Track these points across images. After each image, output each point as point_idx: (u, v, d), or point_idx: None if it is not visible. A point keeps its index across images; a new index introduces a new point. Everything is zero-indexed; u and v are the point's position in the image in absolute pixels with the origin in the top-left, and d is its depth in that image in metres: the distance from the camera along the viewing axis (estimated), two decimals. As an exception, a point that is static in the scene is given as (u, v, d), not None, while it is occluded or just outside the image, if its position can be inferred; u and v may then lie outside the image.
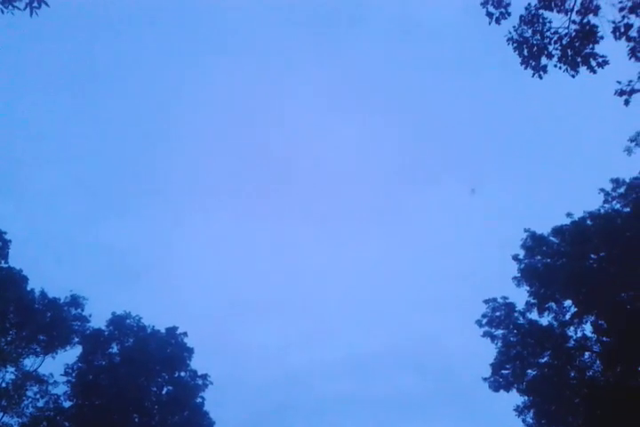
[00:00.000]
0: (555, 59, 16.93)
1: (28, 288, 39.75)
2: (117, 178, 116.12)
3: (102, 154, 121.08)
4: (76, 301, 41.48)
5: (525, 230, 35.84)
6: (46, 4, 14.35)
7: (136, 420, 42.76)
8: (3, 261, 38.47)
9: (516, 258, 35.73)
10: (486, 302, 35.85)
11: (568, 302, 34.55)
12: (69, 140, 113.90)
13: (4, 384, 36.01)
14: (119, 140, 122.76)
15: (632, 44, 16.45)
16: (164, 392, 44.40)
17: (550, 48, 16.87)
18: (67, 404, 41.02)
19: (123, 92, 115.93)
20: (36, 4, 14.27)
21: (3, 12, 14.49)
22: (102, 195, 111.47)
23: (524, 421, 34.73)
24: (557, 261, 34.82)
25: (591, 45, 16.56)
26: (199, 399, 44.21)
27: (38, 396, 38.83)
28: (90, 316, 42.32)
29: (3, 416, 36.25)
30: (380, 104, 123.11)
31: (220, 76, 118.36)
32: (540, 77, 17.17)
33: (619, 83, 17.70)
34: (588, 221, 34.59)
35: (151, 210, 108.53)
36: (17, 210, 77.52)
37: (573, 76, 16.96)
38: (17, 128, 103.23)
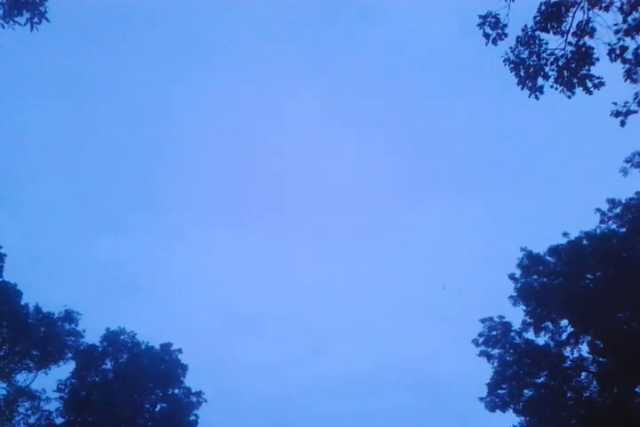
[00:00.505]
0: (551, 80, 17.04)
1: (22, 303, 39.50)
2: (114, 193, 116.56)
3: (99, 168, 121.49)
4: (70, 316, 41.20)
5: (522, 249, 35.85)
6: (47, 20, 14.47)
7: (129, 437, 42.35)
8: (-3, 276, 38.32)
9: (512, 277, 35.71)
10: (482, 321, 35.79)
11: (564, 322, 34.51)
12: (66, 153, 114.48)
13: (-5, 400, 35.73)
14: (117, 155, 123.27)
15: (627, 65, 16.57)
16: (157, 409, 43.99)
17: (546, 69, 17.00)
18: (59, 420, 40.61)
19: (120, 108, 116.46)
20: (36, 20, 14.39)
21: (4, 26, 14.60)
22: (99, 209, 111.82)
23: (520, 441, 34.51)
24: (554, 281, 34.79)
25: (587, 67, 16.68)
26: (193, 417, 43.81)
27: (30, 412, 38.51)
28: (84, 331, 42.05)
29: (-7, 432, 35.95)
30: (377, 122, 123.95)
31: (219, 92, 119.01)
32: (537, 98, 17.27)
33: (615, 104, 17.80)
34: (585, 241, 34.61)
35: (147, 225, 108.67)
36: (12, 223, 77.47)
37: (569, 97, 17.06)
38: (13, 142, 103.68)
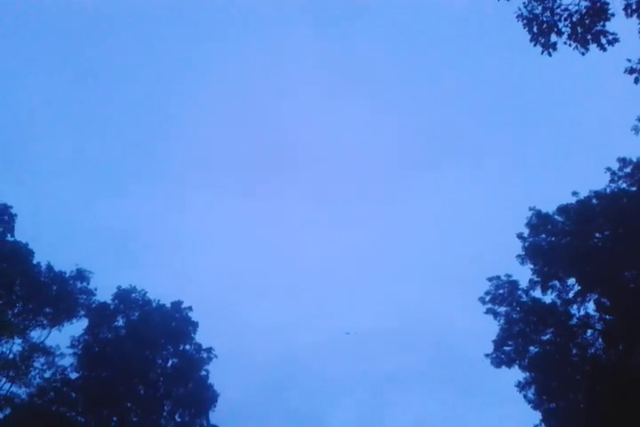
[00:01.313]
0: (564, 36, 16.69)
1: (34, 262, 39.95)
2: (118, 155, 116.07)
3: (105, 131, 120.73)
4: (81, 274, 41.70)
5: (530, 209, 35.77)
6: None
7: (141, 391, 43.37)
8: (9, 235, 38.69)
9: (520, 236, 35.70)
10: (490, 279, 35.96)
11: (572, 281, 34.66)
12: (71, 116, 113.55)
13: (11, 356, 36.46)
14: (121, 118, 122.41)
15: (643, 21, 16.21)
16: (168, 365, 44.94)
17: (560, 25, 16.63)
18: (73, 375, 41.59)
19: (125, 71, 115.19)
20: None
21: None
22: (104, 172, 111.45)
23: (525, 396, 35.18)
24: (562, 240, 34.81)
25: (602, 23, 16.31)
26: (204, 372, 44.77)
27: (45, 367, 39.29)
28: (96, 289, 42.63)
29: (11, 386, 36.81)
30: (384, 85, 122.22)
31: (225, 57, 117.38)
32: (550, 55, 16.94)
33: (629, 61, 17.48)
34: (594, 200, 34.48)
35: (151, 188, 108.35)
36: (18, 187, 77.43)
37: (583, 54, 16.72)
38: (18, 106, 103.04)
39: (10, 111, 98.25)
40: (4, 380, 36.44)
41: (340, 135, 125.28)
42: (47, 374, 39.30)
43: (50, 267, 40.35)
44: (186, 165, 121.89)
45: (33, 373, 38.04)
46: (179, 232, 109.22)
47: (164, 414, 43.82)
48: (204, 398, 43.89)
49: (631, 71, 17.53)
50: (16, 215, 38.71)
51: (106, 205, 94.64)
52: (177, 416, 43.92)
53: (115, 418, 42.17)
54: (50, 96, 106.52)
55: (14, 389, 36.99)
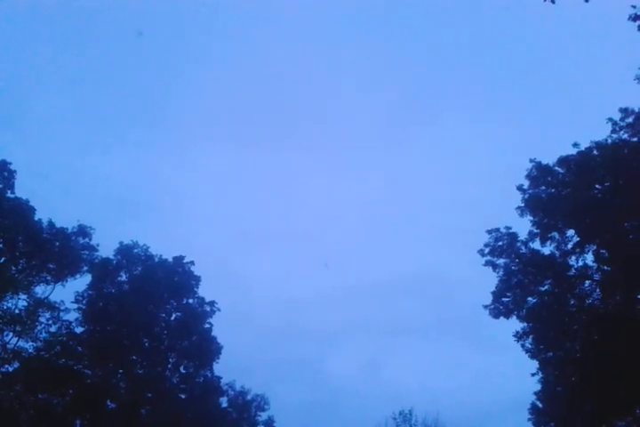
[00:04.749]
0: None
1: (36, 218, 40.00)
2: (118, 107, 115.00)
3: (105, 82, 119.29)
4: (83, 230, 41.87)
5: (531, 160, 35.52)
6: None
7: (146, 344, 44.18)
8: (9, 192, 38.63)
9: (520, 188, 35.57)
10: (489, 231, 36.00)
11: (571, 232, 34.70)
12: (71, 66, 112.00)
13: (17, 311, 36.93)
14: (122, 68, 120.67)
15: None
16: (172, 318, 45.64)
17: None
18: (78, 330, 42.30)
19: (127, 17, 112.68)
20: None
21: None
22: (104, 124, 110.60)
23: (522, 346, 35.67)
24: (562, 192, 34.71)
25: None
26: (207, 325, 45.51)
27: (51, 322, 39.91)
28: (98, 245, 42.88)
29: (18, 341, 37.45)
30: (387, 33, 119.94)
31: (228, 7, 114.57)
32: (553, 2, 16.50)
33: (633, 7, 17.06)
34: (595, 151, 34.18)
35: (151, 141, 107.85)
36: (17, 139, 76.91)
37: (587, 0, 16.28)
38: (17, 55, 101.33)
39: (7, 63, 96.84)
40: (12, 335, 37.08)
41: (341, 88, 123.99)
42: (53, 329, 39.98)
43: (51, 223, 40.44)
44: (188, 115, 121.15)
45: (39, 327, 38.65)
46: (180, 184, 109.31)
47: (169, 366, 44.76)
48: (207, 350, 44.73)
49: (635, 18, 17.11)
50: (15, 171, 38.61)
51: (106, 155, 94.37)
52: (182, 368, 44.91)
53: (120, 370, 43.09)
54: (49, 41, 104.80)
55: (21, 343, 37.70)
